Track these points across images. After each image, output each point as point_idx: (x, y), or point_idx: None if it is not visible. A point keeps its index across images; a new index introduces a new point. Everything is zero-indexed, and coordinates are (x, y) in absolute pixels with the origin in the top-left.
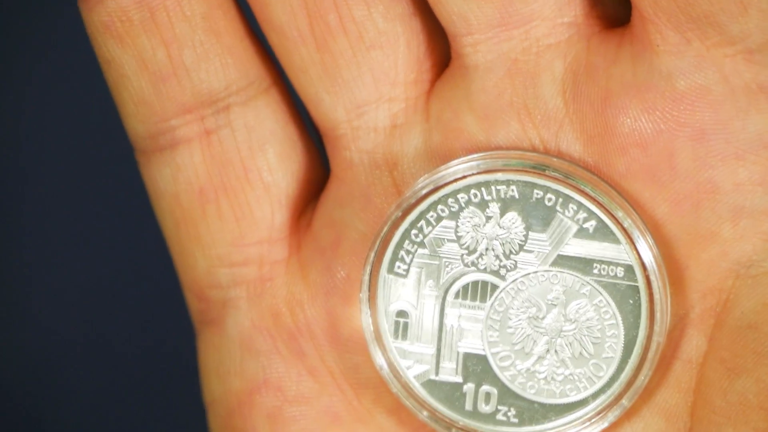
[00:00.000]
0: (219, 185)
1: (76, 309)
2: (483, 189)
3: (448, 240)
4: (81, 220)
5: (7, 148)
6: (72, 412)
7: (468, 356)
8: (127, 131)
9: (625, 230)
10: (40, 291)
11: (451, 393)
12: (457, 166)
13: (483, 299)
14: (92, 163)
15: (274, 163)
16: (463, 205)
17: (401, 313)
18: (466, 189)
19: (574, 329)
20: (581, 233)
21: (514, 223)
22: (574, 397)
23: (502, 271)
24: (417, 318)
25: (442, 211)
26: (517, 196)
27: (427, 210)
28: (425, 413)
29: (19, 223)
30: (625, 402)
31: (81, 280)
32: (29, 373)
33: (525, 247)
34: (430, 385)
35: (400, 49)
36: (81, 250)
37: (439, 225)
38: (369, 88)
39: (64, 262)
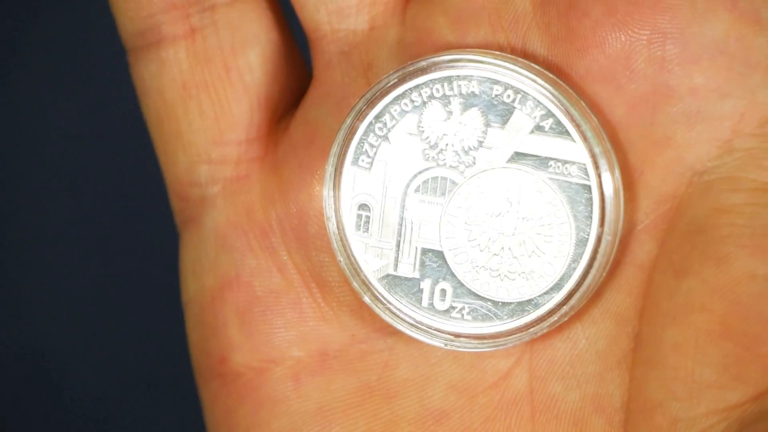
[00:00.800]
0: (201, 82)
1: (77, 310)
2: (445, 84)
3: (411, 134)
4: (82, 220)
5: (7, 148)
6: (72, 412)
7: (426, 252)
8: (118, 31)
9: (580, 129)
10: (40, 291)
11: (408, 289)
12: (422, 62)
13: (442, 194)
14: (92, 164)
15: (255, 64)
16: (425, 99)
17: (363, 207)
18: (429, 83)
19: (528, 227)
20: (538, 130)
21: (473, 119)
22: (527, 296)
23: (461, 167)
24: (378, 212)
25: (406, 105)
26: (477, 92)
27: (391, 104)
28: (384, 310)
29: (20, 223)
30: (575, 301)
31: (81, 281)
32: (29, 374)
33: (484, 144)
34: (389, 280)
35: None
36: (81, 250)
37: (403, 119)
38: None
39: (65, 262)
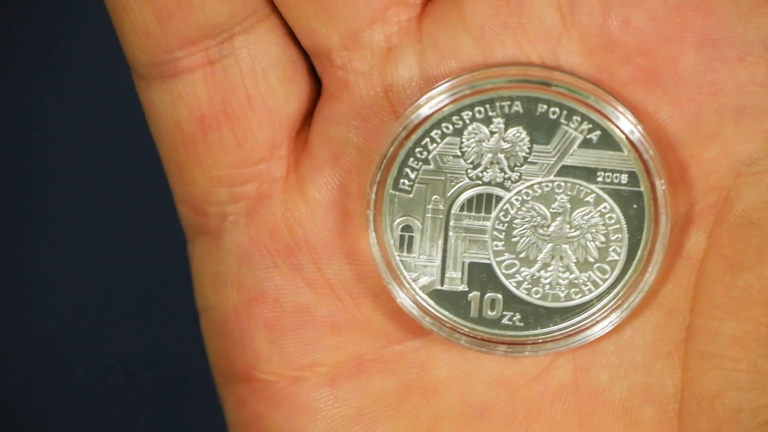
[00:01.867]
0: (221, 112)
1: (78, 311)
2: (487, 106)
3: (453, 156)
4: (83, 221)
5: (9, 148)
6: (73, 414)
7: (473, 265)
8: (126, 57)
9: (628, 138)
10: (42, 293)
11: (456, 301)
12: (461, 85)
13: (488, 211)
14: (94, 164)
15: (278, 88)
16: (467, 122)
17: (406, 228)
18: (470, 107)
19: (579, 235)
20: (585, 143)
21: (518, 136)
22: (579, 300)
23: (507, 183)
24: (422, 232)
25: (447, 128)
26: (521, 111)
27: (431, 128)
28: (429, 320)
29: (21, 223)
30: (629, 303)
31: (83, 282)
32: (30, 375)
33: (529, 160)
34: (436, 294)
35: None
36: (82, 252)
37: (444, 142)
38: (362, 12)
39: (66, 263)
